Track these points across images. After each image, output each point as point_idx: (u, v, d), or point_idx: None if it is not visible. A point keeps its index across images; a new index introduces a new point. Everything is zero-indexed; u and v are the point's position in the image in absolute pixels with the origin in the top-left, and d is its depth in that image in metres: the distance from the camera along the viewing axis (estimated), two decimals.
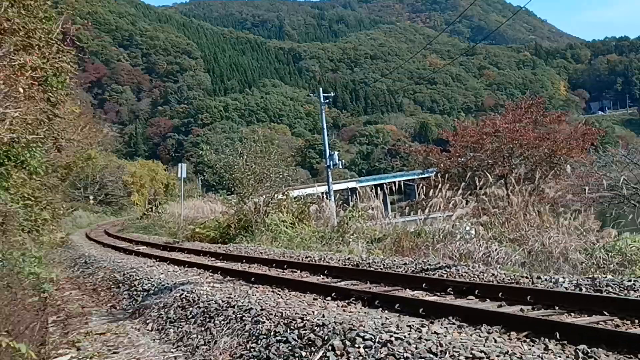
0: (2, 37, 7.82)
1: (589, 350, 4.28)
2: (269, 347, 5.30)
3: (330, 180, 31.09)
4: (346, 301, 6.92)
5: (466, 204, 14.41)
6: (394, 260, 9.96)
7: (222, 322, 6.51)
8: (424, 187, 16.94)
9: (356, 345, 4.66)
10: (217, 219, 21.23)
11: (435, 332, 4.83)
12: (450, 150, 20.97)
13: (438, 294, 7.04)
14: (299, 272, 9.99)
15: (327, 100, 34.22)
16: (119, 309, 9.61)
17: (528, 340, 4.73)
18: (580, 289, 6.61)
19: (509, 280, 7.49)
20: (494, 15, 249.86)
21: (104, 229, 35.65)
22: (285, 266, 10.60)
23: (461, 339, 4.63)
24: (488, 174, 15.29)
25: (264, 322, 5.94)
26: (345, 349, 4.68)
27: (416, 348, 4.39)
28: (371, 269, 9.41)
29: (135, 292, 10.33)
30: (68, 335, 7.34)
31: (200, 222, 22.77)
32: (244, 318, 6.32)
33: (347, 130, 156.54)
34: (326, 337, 5.00)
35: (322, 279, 9.06)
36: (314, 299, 7.27)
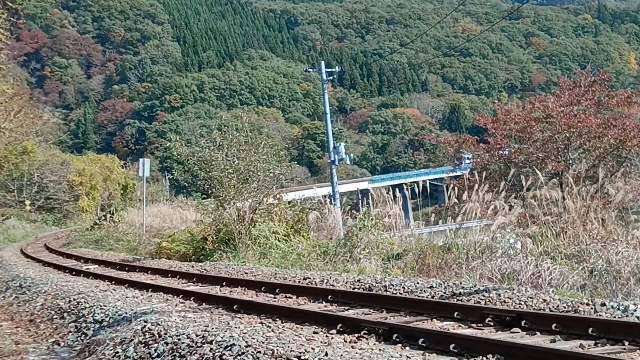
0: None
1: None
2: None
3: (335, 179, 31.19)
4: (355, 335, 6.91)
5: (510, 209, 14.40)
6: (417, 283, 9.95)
7: None
8: (456, 189, 16.93)
9: None
10: (189, 229, 21.21)
11: None
12: (488, 140, 20.95)
13: (474, 325, 7.03)
14: (294, 297, 9.98)
15: (331, 77, 34.31)
16: (64, 345, 9.60)
17: None
18: None
19: (565, 307, 7.48)
20: None
21: (44, 243, 35.67)
22: (277, 290, 10.59)
23: None
24: (538, 172, 15.28)
25: None
26: None
27: None
28: (388, 293, 9.40)
29: (84, 324, 10.32)
30: None
31: (168, 234, 22.75)
32: (224, 357, 6.32)
33: (356, 116, 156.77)
34: None
35: (325, 306, 9.04)
36: (314, 332, 7.26)
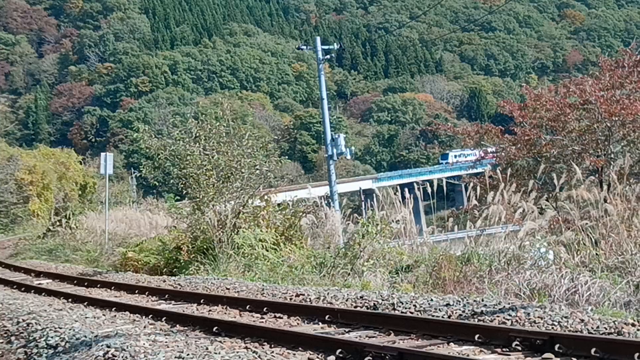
0: None
1: None
2: None
3: (334, 178, 31.17)
4: None
5: (540, 213, 14.41)
6: (431, 300, 9.95)
7: None
8: (477, 188, 16.93)
9: None
10: (160, 237, 21.20)
11: None
12: (515, 131, 20.96)
13: (498, 350, 7.03)
14: (285, 317, 9.98)
15: (328, 56, 34.25)
16: None
17: None
18: None
19: (606, 329, 7.48)
20: None
21: None
22: (265, 309, 10.59)
23: None
24: (576, 166, 15.30)
25: None
26: None
27: None
28: (396, 312, 9.40)
29: (35, 350, 10.29)
30: None
31: (135, 243, 22.73)
32: None
33: (358, 102, 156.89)
34: None
35: (322, 328, 9.04)
36: (309, 359, 7.25)
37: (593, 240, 13.02)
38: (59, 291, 16.03)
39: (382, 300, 10.38)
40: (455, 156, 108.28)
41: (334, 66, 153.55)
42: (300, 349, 7.80)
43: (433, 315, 8.96)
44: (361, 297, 10.82)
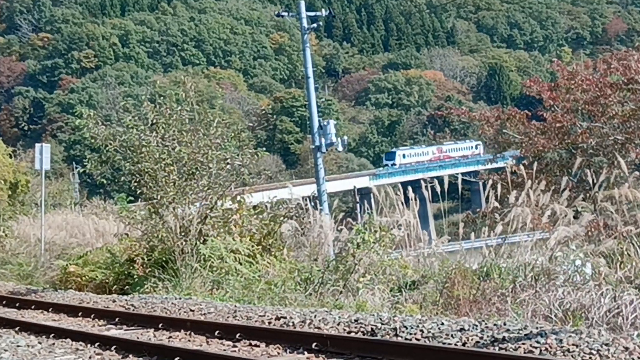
0: None
1: None
2: None
3: (322, 174, 31.13)
4: None
5: (575, 217, 14.45)
6: (442, 323, 9.97)
7: None
8: (497, 187, 16.97)
9: None
10: (109, 247, 21.14)
11: None
12: (544, 116, 21.05)
13: None
14: (263, 345, 9.97)
15: (315, 25, 34.17)
16: None
17: None
18: None
19: None
20: None
21: None
22: (237, 335, 10.58)
23: None
24: (621, 159, 15.35)
25: None
26: None
27: None
28: (399, 339, 9.41)
29: None
30: None
31: (79, 254, 22.65)
32: None
33: (352, 81, 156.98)
34: None
35: (308, 358, 9.05)
36: None
37: None
38: None
39: (382, 324, 10.38)
40: (405, 156, 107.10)
41: (321, 37, 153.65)
42: None
43: (444, 343, 8.96)
44: (356, 321, 10.83)
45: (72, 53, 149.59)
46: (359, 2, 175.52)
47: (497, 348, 8.44)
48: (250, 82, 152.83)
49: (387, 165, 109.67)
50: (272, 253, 17.96)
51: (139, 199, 20.75)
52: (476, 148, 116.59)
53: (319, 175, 30.95)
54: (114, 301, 16.31)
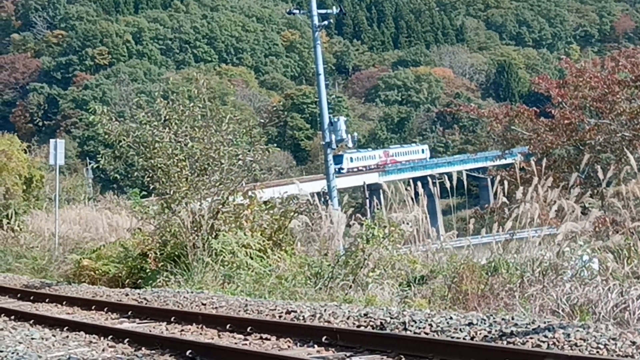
0: None
1: None
2: None
3: (332, 170, 31.16)
4: None
5: (583, 213, 14.42)
6: (450, 318, 9.97)
7: None
8: (505, 183, 16.95)
9: None
10: (122, 242, 21.17)
11: None
12: (553, 113, 20.99)
13: None
14: (274, 339, 10.00)
15: (326, 22, 34.15)
16: None
17: None
18: None
19: None
20: None
21: None
22: (248, 329, 10.60)
23: None
24: (630, 155, 15.30)
25: None
26: None
27: None
28: (408, 333, 9.42)
29: None
30: None
31: (92, 249, 22.71)
32: None
33: (362, 78, 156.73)
34: None
35: (318, 352, 9.06)
36: None
37: None
38: None
39: (391, 318, 10.39)
40: (352, 159, 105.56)
41: (332, 35, 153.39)
42: None
43: (452, 337, 8.97)
44: (365, 315, 10.84)
45: (86, 50, 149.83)
46: (369, 0, 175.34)
47: (505, 342, 8.45)
48: (261, 79, 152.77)
49: (336, 170, 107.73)
50: (283, 248, 17.99)
51: (152, 194, 20.79)
52: (423, 152, 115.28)
53: (329, 171, 31.02)
54: (127, 295, 16.36)
